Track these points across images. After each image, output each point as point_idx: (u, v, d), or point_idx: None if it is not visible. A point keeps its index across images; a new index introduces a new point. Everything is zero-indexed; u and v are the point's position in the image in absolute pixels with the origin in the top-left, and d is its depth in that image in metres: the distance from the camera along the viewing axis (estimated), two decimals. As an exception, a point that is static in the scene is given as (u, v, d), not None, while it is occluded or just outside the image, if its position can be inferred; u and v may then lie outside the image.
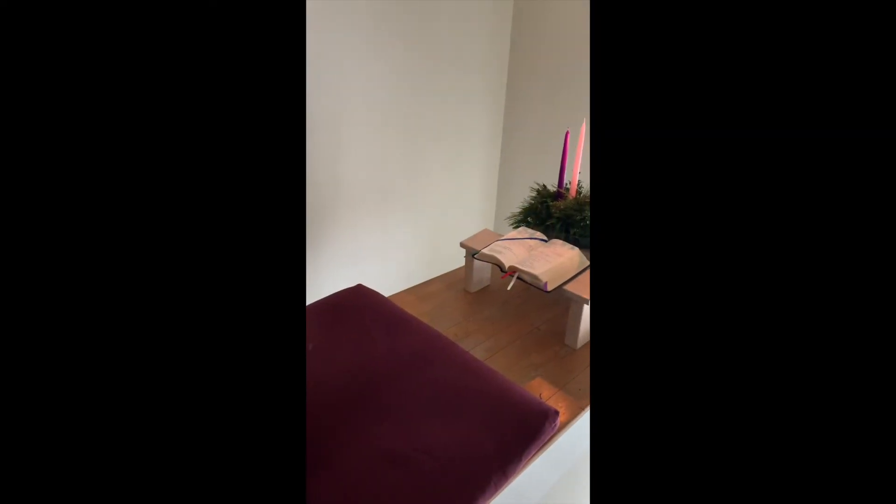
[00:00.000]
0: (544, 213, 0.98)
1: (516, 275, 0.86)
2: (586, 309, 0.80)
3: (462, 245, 0.98)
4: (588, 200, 0.95)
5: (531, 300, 0.98)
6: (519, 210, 1.05)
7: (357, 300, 0.88)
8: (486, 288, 1.03)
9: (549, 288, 0.81)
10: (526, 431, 0.61)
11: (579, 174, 0.99)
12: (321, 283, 1.43)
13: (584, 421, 0.73)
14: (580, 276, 0.84)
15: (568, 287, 0.82)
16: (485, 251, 0.92)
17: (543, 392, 0.74)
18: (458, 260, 1.08)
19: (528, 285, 0.90)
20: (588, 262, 0.88)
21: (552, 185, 1.04)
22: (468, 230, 1.41)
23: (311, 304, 0.87)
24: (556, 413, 0.65)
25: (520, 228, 0.99)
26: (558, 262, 0.86)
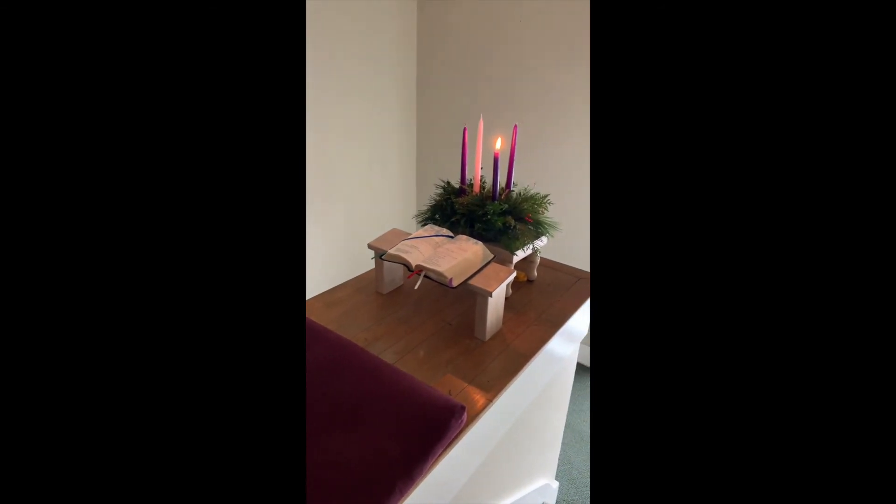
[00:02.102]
0: (449, 210, 0.99)
1: (423, 273, 0.86)
2: (491, 301, 0.82)
3: (370, 246, 0.96)
4: (490, 195, 0.97)
5: (444, 296, 0.99)
6: (427, 207, 1.05)
7: (259, 314, 0.83)
8: (398, 288, 1.02)
9: (455, 284, 0.82)
10: (432, 431, 0.62)
11: (481, 169, 1.01)
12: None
13: (496, 407, 0.76)
14: (484, 270, 0.86)
15: (473, 282, 0.83)
16: (391, 252, 0.91)
17: (453, 388, 0.75)
18: (372, 262, 1.07)
19: (437, 283, 0.91)
20: (491, 256, 0.90)
21: (458, 182, 1.05)
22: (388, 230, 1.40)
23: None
24: (463, 408, 0.66)
25: (427, 226, 0.99)
26: (463, 257, 0.87)
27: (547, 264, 1.14)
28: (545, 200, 0.98)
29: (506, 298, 0.98)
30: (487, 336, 0.86)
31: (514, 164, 0.98)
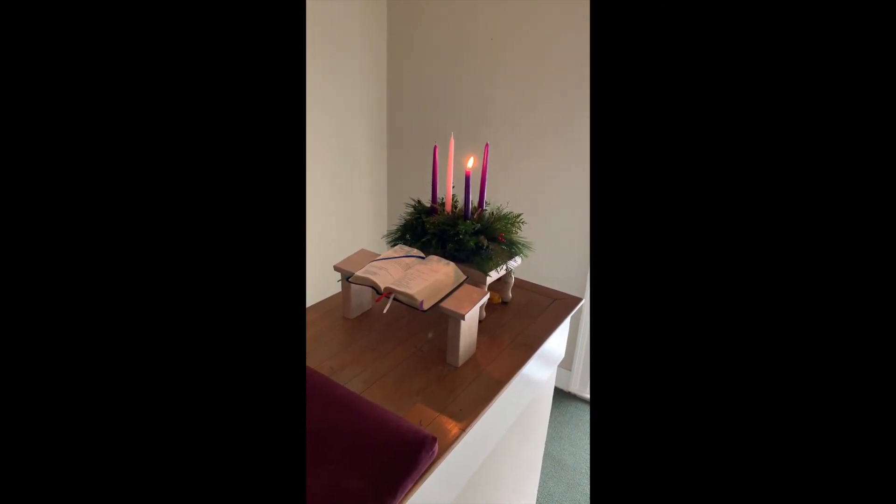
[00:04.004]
0: (420, 230, 0.96)
1: (392, 296, 0.82)
2: (464, 325, 0.78)
3: (336, 268, 0.92)
4: (462, 214, 0.94)
5: (416, 320, 0.95)
6: (396, 227, 1.02)
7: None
8: (367, 312, 0.97)
9: (426, 307, 0.78)
10: (401, 464, 0.57)
11: (453, 188, 0.98)
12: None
13: (469, 437, 0.71)
14: (457, 292, 0.83)
15: (444, 304, 0.79)
16: (359, 274, 0.86)
17: (424, 418, 0.70)
18: (338, 285, 1.02)
19: (407, 306, 0.87)
20: (464, 277, 0.87)
21: (429, 201, 1.02)
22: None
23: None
24: (434, 439, 0.61)
25: (397, 247, 0.95)
26: (434, 278, 0.83)
27: (521, 285, 1.12)
28: (518, 220, 0.96)
29: (479, 321, 0.94)
30: (460, 362, 0.82)
31: (487, 182, 0.96)
